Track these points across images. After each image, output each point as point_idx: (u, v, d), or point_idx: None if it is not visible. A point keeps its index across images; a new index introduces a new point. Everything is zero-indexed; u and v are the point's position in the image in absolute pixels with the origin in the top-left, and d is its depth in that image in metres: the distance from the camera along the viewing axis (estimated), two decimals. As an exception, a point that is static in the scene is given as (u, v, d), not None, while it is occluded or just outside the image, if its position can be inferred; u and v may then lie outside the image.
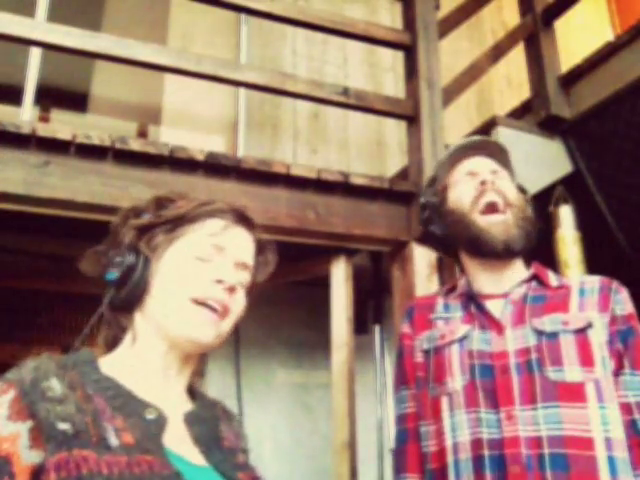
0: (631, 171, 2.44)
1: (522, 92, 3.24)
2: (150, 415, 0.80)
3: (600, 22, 4.62)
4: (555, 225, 2.30)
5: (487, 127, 2.42)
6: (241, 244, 0.94)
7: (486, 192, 1.31)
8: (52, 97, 3.62)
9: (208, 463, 0.83)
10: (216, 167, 2.09)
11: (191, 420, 0.86)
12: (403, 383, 1.35)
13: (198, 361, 0.94)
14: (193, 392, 0.94)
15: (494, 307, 1.27)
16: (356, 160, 3.48)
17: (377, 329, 3.07)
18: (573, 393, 1.14)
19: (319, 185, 2.22)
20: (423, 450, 1.26)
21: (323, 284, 2.61)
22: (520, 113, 2.72)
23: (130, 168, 1.98)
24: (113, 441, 0.73)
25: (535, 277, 1.31)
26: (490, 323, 1.25)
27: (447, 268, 2.21)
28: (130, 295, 0.88)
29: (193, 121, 3.22)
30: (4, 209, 1.89)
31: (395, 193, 2.33)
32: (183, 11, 3.36)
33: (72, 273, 0.94)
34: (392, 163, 3.46)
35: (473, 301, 1.30)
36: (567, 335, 1.18)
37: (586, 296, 1.25)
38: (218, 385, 2.77)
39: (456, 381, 1.22)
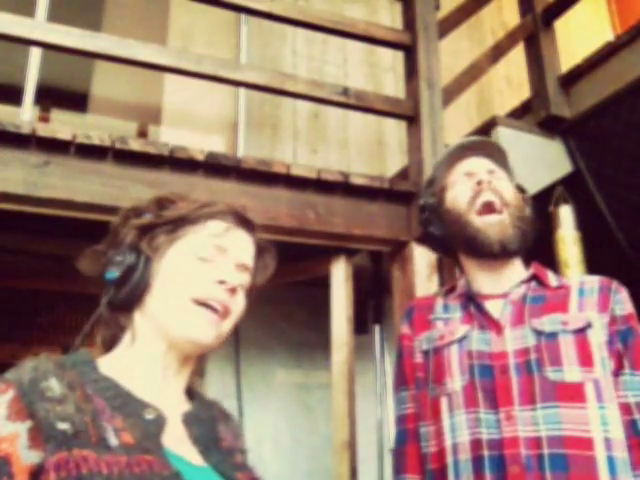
0: (631, 171, 2.44)
1: (522, 92, 3.24)
2: (149, 415, 0.80)
3: (600, 22, 4.62)
4: (555, 225, 2.30)
5: (487, 127, 2.42)
6: (242, 246, 0.95)
7: (483, 192, 1.31)
8: (52, 97, 3.62)
9: (207, 463, 0.83)
10: (216, 167, 2.09)
11: (190, 420, 0.86)
12: (403, 384, 1.35)
13: (197, 362, 0.94)
14: (191, 392, 0.94)
15: (493, 307, 1.27)
16: (356, 160, 3.48)
17: (377, 329, 3.07)
18: (572, 393, 1.14)
19: (319, 185, 2.22)
20: (423, 451, 1.26)
21: (323, 284, 2.61)
22: (520, 113, 2.72)
23: (130, 168, 1.98)
24: (113, 441, 0.73)
25: (535, 277, 1.31)
26: (489, 323, 1.25)
27: (447, 268, 2.21)
28: (130, 294, 0.88)
29: (193, 121, 3.22)
30: (4, 209, 1.89)
31: (395, 193, 2.33)
32: (183, 11, 3.36)
33: (72, 273, 0.94)
34: (392, 163, 3.46)
35: (472, 301, 1.30)
36: (566, 335, 1.18)
37: (585, 296, 1.25)
38: (218, 385, 2.77)
39: (455, 381, 1.22)
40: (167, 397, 0.87)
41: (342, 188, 2.25)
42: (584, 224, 2.30)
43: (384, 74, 3.76)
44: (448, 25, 2.73)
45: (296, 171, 2.19)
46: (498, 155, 1.41)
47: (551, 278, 1.32)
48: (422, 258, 2.23)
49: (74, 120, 3.80)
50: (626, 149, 2.42)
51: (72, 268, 0.94)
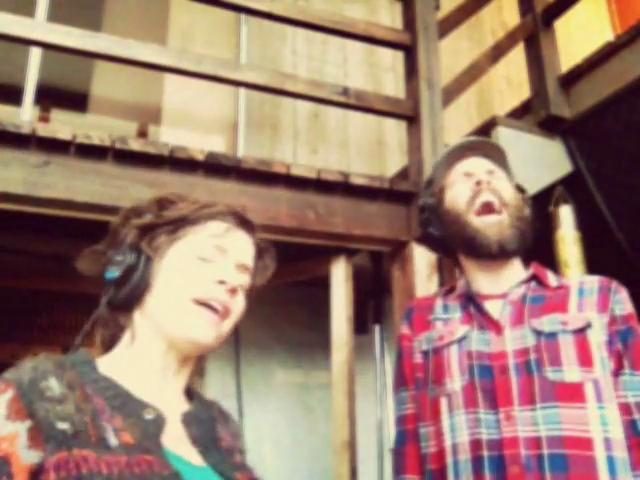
0: (631, 171, 2.44)
1: (522, 92, 3.24)
2: (149, 415, 0.80)
3: (600, 22, 4.62)
4: (555, 225, 2.30)
5: (487, 127, 2.42)
6: (242, 247, 0.95)
7: (482, 192, 1.31)
8: (52, 97, 3.62)
9: (206, 463, 0.83)
10: (216, 167, 2.09)
11: (189, 420, 0.86)
12: (402, 384, 1.35)
13: (197, 362, 0.94)
14: (190, 393, 0.94)
15: (493, 308, 1.27)
16: (356, 160, 3.48)
17: (377, 329, 3.07)
18: (572, 393, 1.14)
19: (319, 185, 2.22)
20: (422, 451, 1.26)
21: (323, 284, 2.60)
22: (520, 113, 2.72)
23: (130, 168, 1.98)
24: (112, 441, 0.73)
25: (534, 277, 1.31)
26: (489, 324, 1.25)
27: (447, 268, 2.21)
28: (130, 294, 0.88)
29: (193, 121, 3.22)
30: (4, 209, 1.89)
31: (395, 193, 2.33)
32: (183, 11, 3.36)
33: (72, 273, 0.94)
34: (392, 163, 3.46)
35: (472, 302, 1.30)
36: (566, 335, 1.18)
37: (585, 296, 1.25)
38: (218, 385, 2.77)
39: (455, 382, 1.22)
40: (166, 397, 0.87)
41: (342, 188, 2.25)
42: (584, 224, 2.30)
43: (384, 74, 3.76)
44: (448, 25, 2.73)
45: (296, 171, 2.19)
46: (497, 155, 1.41)
47: (551, 278, 1.32)
48: (422, 258, 2.23)
49: (74, 120, 3.80)
50: (626, 149, 2.42)
51: (72, 268, 0.94)
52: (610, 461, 1.10)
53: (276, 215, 2.13)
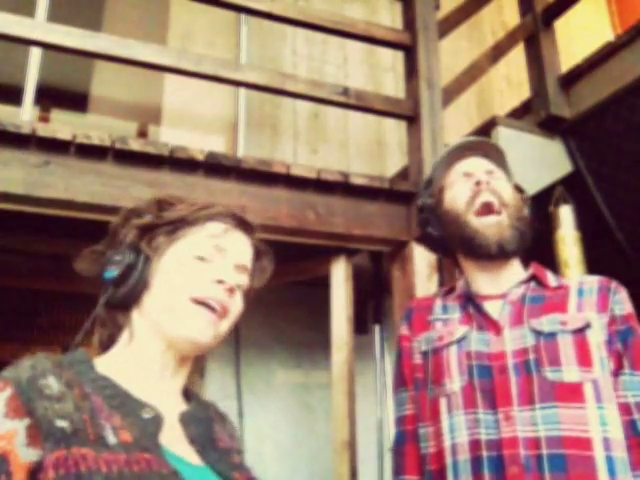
0: (631, 171, 2.44)
1: (522, 92, 3.24)
2: (147, 414, 0.80)
3: (600, 22, 4.62)
4: (555, 225, 2.30)
5: (487, 127, 2.41)
6: (241, 247, 0.96)
7: (481, 192, 1.31)
8: (52, 97, 3.63)
9: (204, 463, 0.83)
10: (216, 167, 2.09)
11: (186, 420, 0.87)
12: (402, 385, 1.35)
13: (195, 363, 0.95)
14: (188, 394, 0.94)
15: (492, 308, 1.27)
16: (356, 160, 3.48)
17: (377, 329, 3.07)
18: (571, 393, 1.14)
19: (319, 185, 2.22)
20: (422, 451, 1.26)
21: (323, 284, 2.60)
22: (520, 113, 2.72)
23: (130, 168, 1.98)
24: (111, 439, 0.73)
25: (534, 277, 1.31)
26: (488, 324, 1.25)
27: (447, 268, 2.21)
28: (129, 293, 0.89)
29: (193, 121, 3.22)
30: (4, 209, 1.90)
31: (395, 193, 2.33)
32: (183, 11, 3.36)
33: (72, 273, 0.94)
34: (392, 163, 3.46)
35: (471, 302, 1.30)
36: (565, 335, 1.18)
37: (585, 296, 1.25)
38: (218, 385, 2.77)
39: (454, 382, 1.22)
40: (164, 397, 0.87)
41: (342, 188, 2.25)
42: (584, 224, 2.30)
43: (384, 74, 3.76)
44: (448, 25, 2.73)
45: (296, 171, 2.19)
46: (496, 155, 1.41)
47: (550, 278, 1.32)
48: (422, 258, 2.23)
49: (74, 120, 3.81)
50: (626, 149, 2.42)
51: (72, 268, 0.95)
52: (609, 461, 1.10)
53: (276, 215, 2.13)
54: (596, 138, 2.47)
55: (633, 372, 1.19)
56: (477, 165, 1.37)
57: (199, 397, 0.97)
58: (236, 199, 2.07)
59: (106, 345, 0.92)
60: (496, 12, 4.20)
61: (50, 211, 1.94)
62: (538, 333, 1.19)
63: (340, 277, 2.52)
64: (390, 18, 3.75)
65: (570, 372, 1.15)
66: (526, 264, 1.36)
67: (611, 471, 1.09)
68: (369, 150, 3.55)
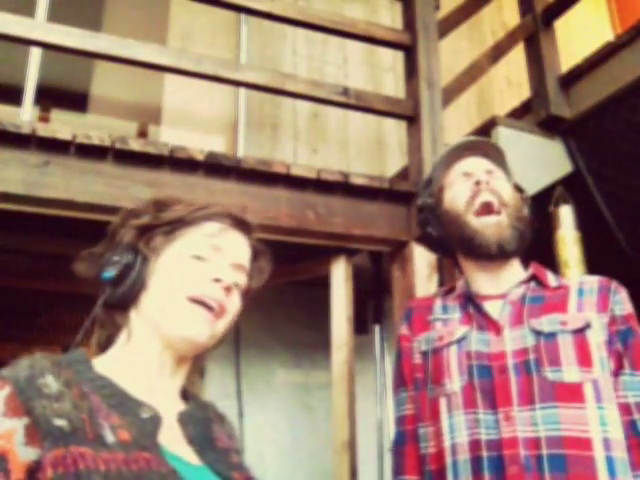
0: (631, 171, 2.44)
1: (522, 92, 3.24)
2: (145, 414, 0.80)
3: (600, 22, 4.62)
4: (555, 225, 2.30)
5: (487, 127, 2.41)
6: (238, 247, 0.96)
7: (481, 192, 1.31)
8: (52, 97, 3.63)
9: (202, 462, 0.83)
10: (216, 167, 2.09)
11: (185, 420, 0.87)
12: (402, 385, 1.35)
13: (194, 363, 0.95)
14: (186, 394, 0.94)
15: (492, 308, 1.27)
16: (356, 160, 3.48)
17: (377, 329, 3.07)
18: (571, 393, 1.14)
19: (319, 185, 2.22)
20: (422, 451, 1.26)
21: (323, 284, 2.60)
22: (520, 113, 2.72)
23: (130, 168, 1.98)
24: (110, 438, 0.73)
25: (534, 277, 1.31)
26: (488, 324, 1.25)
27: (447, 268, 2.21)
28: (127, 293, 0.89)
29: (193, 121, 3.22)
30: (4, 209, 1.89)
31: (395, 193, 2.33)
32: (183, 11, 3.36)
33: (71, 273, 0.94)
34: (392, 163, 3.46)
35: (471, 302, 1.30)
36: (565, 335, 1.18)
37: (585, 296, 1.25)
38: (218, 385, 2.77)
39: (454, 382, 1.22)
40: (162, 397, 0.87)
41: (342, 188, 2.25)
42: (584, 224, 2.30)
43: (384, 74, 3.76)
44: (448, 25, 2.73)
45: (296, 171, 2.19)
46: (496, 155, 1.41)
47: (550, 278, 1.32)
48: (422, 258, 2.23)
49: (74, 120, 3.81)
50: (626, 149, 2.42)
51: (71, 268, 0.95)
52: (609, 461, 1.10)
53: (276, 215, 2.13)
54: (596, 138, 2.47)
55: (633, 372, 1.19)
56: (477, 165, 1.37)
57: (197, 397, 0.97)
58: (236, 199, 2.07)
59: (104, 345, 0.92)
60: (496, 12, 4.20)
61: (50, 211, 1.94)
62: (538, 333, 1.19)
63: (340, 277, 2.52)
64: (390, 18, 3.75)
65: (570, 372, 1.15)
66: (526, 264, 1.36)
67: (611, 471, 1.09)
68: (369, 150, 3.55)
